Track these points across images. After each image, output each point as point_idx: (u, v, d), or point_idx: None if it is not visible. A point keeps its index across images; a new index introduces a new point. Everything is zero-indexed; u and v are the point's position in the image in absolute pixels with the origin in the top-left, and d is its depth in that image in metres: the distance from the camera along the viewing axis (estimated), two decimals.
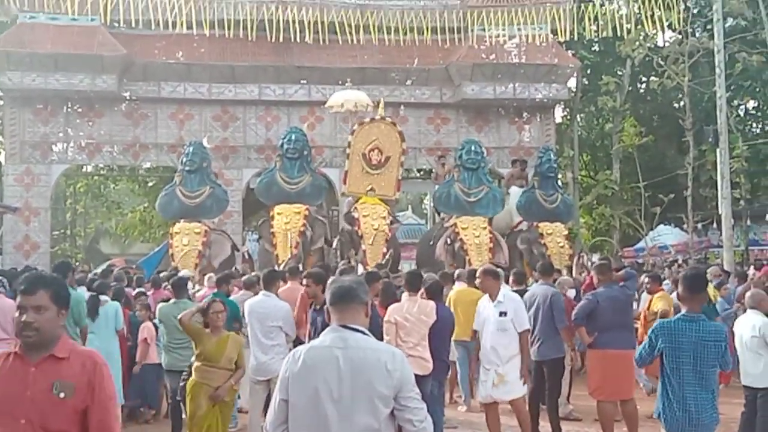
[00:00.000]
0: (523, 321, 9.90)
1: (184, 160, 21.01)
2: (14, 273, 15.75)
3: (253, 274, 13.67)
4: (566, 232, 21.45)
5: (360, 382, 4.27)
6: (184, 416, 10.62)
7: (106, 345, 11.32)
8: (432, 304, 9.67)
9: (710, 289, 13.80)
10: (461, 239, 19.91)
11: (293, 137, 20.82)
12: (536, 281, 13.57)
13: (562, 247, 20.81)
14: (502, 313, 9.77)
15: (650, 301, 13.08)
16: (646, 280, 13.59)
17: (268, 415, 4.54)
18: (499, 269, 10.85)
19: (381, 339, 8.28)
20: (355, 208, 19.87)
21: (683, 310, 6.64)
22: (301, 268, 14.61)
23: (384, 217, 19.76)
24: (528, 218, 21.76)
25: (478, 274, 10.33)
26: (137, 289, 13.87)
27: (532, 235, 21.28)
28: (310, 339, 9.31)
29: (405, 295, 9.69)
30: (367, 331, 4.46)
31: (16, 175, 25.72)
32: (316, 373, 4.30)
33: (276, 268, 14.81)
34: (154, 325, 11.82)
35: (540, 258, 19.61)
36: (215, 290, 12.19)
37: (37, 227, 25.70)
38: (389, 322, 9.27)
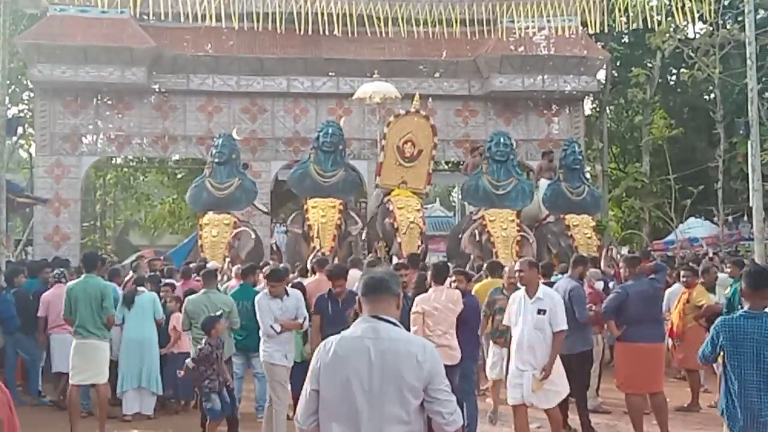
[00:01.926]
0: (561, 321, 9.14)
1: (214, 151, 21.08)
2: (44, 264, 15.93)
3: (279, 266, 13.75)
4: (593, 224, 21.35)
5: (390, 372, 4.29)
6: None
7: (141, 333, 11.47)
8: (458, 293, 9.76)
9: None
10: (488, 231, 19.88)
11: (330, 131, 20.80)
12: (559, 273, 13.63)
13: (589, 238, 20.71)
14: (541, 311, 9.08)
15: (689, 294, 12.96)
16: (683, 272, 13.46)
17: (298, 405, 4.56)
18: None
19: (409, 329, 8.33)
20: (390, 200, 19.89)
21: (746, 307, 6.51)
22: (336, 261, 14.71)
23: (418, 210, 19.84)
24: (554, 211, 21.67)
25: (520, 266, 9.36)
26: (166, 280, 13.95)
27: (558, 228, 21.22)
28: (320, 328, 9.51)
29: (432, 287, 9.75)
30: (398, 323, 4.47)
31: (47, 166, 25.88)
32: (348, 364, 4.32)
33: (308, 260, 14.88)
34: None
35: (567, 250, 19.57)
36: (241, 282, 12.26)
37: (67, 219, 25.85)
38: (417, 313, 9.36)
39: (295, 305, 10.08)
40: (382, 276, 4.56)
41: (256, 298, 10.09)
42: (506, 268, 11.76)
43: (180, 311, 11.91)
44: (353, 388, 4.29)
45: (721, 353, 6.50)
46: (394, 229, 19.28)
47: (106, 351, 10.80)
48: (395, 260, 16.82)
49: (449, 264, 12.63)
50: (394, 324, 4.44)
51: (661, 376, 10.17)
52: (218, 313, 10.25)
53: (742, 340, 6.29)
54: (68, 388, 11.01)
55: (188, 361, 9.99)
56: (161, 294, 12.79)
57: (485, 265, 13.65)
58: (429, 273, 10.54)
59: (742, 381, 6.29)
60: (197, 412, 11.22)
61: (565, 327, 9.18)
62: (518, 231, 20.14)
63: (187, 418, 11.96)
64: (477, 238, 20.09)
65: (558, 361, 9.23)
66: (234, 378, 11.02)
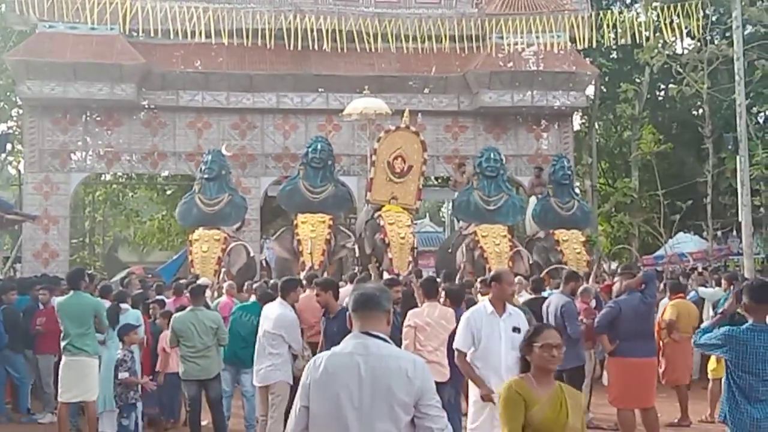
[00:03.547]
0: None
1: (203, 168, 21.09)
2: (33, 281, 15.85)
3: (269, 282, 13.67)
4: (583, 239, 21.38)
5: (380, 388, 4.28)
6: (203, 423, 10.68)
7: None
8: (451, 310, 9.69)
9: None
10: (481, 247, 19.90)
11: (319, 146, 20.83)
12: (551, 289, 13.65)
13: (578, 253, 20.74)
14: (516, 329, 7.91)
15: (664, 308, 13.15)
16: (661, 287, 13.60)
17: (288, 421, 4.55)
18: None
19: (400, 345, 8.26)
20: (380, 216, 19.89)
21: (750, 321, 6.58)
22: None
23: (408, 226, 19.85)
24: (543, 226, 21.73)
25: (502, 278, 8.24)
26: (156, 297, 13.89)
27: (548, 243, 21.24)
28: (322, 348, 9.35)
29: (425, 303, 9.72)
30: (388, 339, 4.46)
31: (35, 183, 25.79)
32: (337, 380, 4.31)
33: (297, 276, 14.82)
34: None
35: (557, 265, 19.57)
36: (250, 301, 12.20)
37: (56, 235, 25.75)
38: (409, 326, 9.31)
39: None
40: (372, 292, 4.56)
41: (291, 316, 9.98)
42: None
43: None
44: (343, 405, 4.28)
45: (724, 361, 6.66)
46: (385, 245, 19.27)
47: (95, 368, 10.71)
48: (386, 276, 16.81)
49: (438, 279, 12.60)
50: (385, 340, 4.43)
51: (652, 391, 10.16)
52: (137, 324, 10.68)
53: (748, 353, 6.41)
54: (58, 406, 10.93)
55: (124, 374, 10.01)
56: (150, 311, 12.74)
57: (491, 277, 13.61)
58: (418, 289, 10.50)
59: (747, 391, 6.40)
60: (186, 429, 11.15)
61: None
62: (510, 246, 20.18)
63: None
64: (468, 253, 20.10)
65: None
66: (223, 396, 10.98)
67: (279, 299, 10.20)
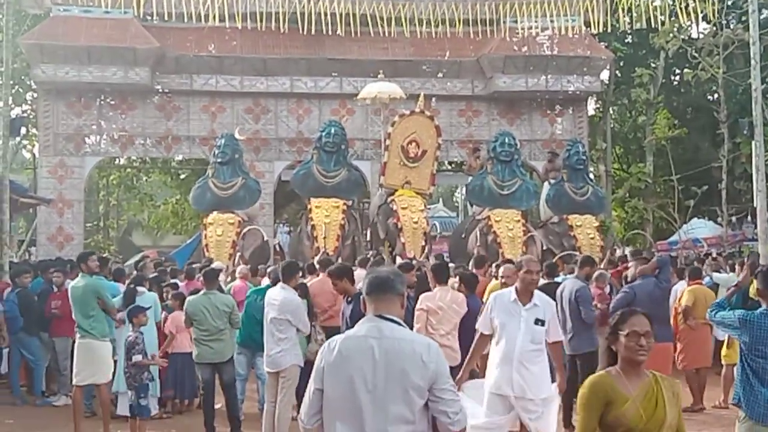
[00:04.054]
0: (558, 330, 8.07)
1: (216, 152, 21.09)
2: (48, 264, 15.91)
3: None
4: (597, 224, 21.33)
5: (394, 372, 4.29)
6: (217, 406, 10.72)
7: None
8: (462, 295, 9.70)
9: None
10: (494, 232, 19.90)
11: (332, 131, 20.83)
12: (565, 274, 13.64)
13: (592, 238, 20.71)
14: (539, 321, 7.73)
15: (681, 293, 13.16)
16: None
17: (302, 404, 4.56)
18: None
19: (412, 329, 8.26)
20: (393, 200, 19.90)
21: (764, 306, 6.62)
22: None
23: (422, 210, 19.87)
24: (557, 211, 21.66)
25: (536, 267, 8.08)
26: (170, 280, 13.93)
27: (561, 228, 21.20)
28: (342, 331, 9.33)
29: (436, 287, 9.73)
30: (402, 322, 4.46)
31: (50, 167, 25.87)
32: (351, 363, 4.32)
33: (312, 260, 14.85)
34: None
35: (570, 251, 19.55)
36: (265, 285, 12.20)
37: (71, 219, 25.83)
38: (421, 310, 9.32)
39: None
40: (386, 275, 4.56)
41: (296, 300, 9.96)
42: (502, 268, 11.26)
43: (181, 310, 11.91)
44: (357, 388, 4.29)
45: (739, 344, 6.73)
46: (398, 230, 19.30)
47: (106, 351, 10.72)
48: (399, 260, 16.83)
49: (450, 264, 12.61)
50: (399, 323, 4.43)
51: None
52: (147, 306, 10.62)
53: (762, 337, 6.50)
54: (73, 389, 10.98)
55: (138, 356, 9.94)
56: (163, 293, 12.78)
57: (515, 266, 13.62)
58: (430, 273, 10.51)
59: (761, 375, 6.48)
60: (200, 411, 11.19)
61: (561, 338, 8.28)
62: (524, 231, 20.16)
63: (191, 417, 11.94)
64: (482, 238, 20.10)
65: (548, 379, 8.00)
66: (237, 379, 11.02)
67: (280, 284, 10.13)
